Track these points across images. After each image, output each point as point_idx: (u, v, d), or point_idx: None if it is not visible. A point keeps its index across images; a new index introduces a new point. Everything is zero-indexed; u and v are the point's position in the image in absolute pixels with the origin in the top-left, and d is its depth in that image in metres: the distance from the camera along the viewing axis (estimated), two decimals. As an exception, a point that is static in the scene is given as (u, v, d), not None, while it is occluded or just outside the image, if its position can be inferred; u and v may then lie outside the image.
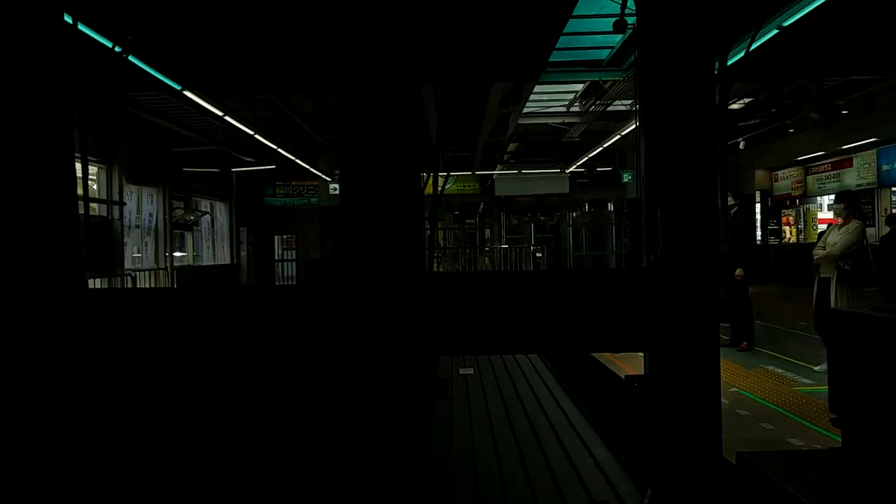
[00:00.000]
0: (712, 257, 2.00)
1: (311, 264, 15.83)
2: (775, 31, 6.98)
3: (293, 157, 17.29)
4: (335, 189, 17.56)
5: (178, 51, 7.28)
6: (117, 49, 5.91)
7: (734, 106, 14.91)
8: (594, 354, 5.38)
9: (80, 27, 3.52)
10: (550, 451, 4.13)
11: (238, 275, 19.55)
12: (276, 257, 22.87)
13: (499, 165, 19.44)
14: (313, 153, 18.57)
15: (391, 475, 1.98)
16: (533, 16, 6.63)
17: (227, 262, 19.48)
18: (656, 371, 2.06)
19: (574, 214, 22.56)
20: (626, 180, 17.90)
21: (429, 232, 3.08)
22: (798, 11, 6.55)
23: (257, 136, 14.46)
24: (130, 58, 6.87)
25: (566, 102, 15.13)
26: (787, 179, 20.04)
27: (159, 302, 2.11)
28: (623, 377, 2.32)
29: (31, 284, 1.80)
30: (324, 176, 17.90)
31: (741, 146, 16.12)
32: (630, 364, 5.91)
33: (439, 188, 2.94)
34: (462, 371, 7.10)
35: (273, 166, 19.38)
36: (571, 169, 19.23)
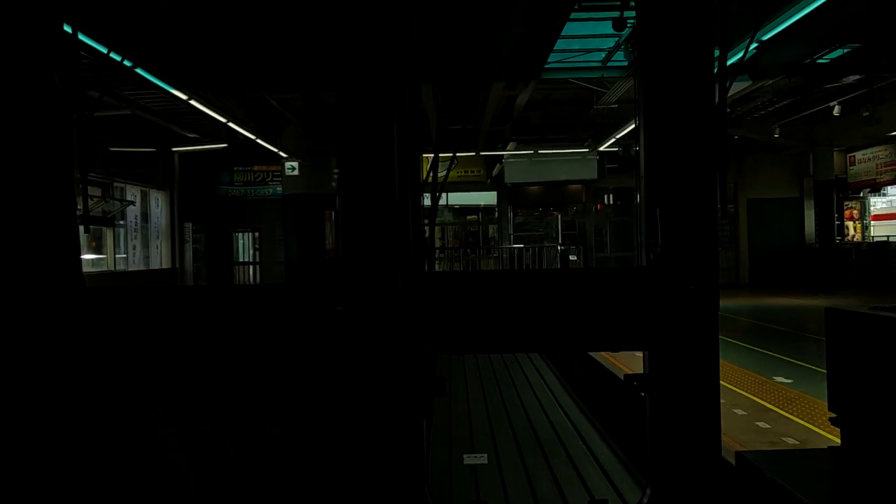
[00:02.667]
0: (712, 257, 2.00)
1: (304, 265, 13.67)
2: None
3: (247, 132, 13.26)
4: (292, 168, 13.53)
5: (174, 52, 7.11)
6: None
7: (821, 60, 11.14)
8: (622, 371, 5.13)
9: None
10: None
11: (181, 283, 15.50)
12: (247, 259, 18.89)
13: (511, 143, 15.36)
14: (275, 127, 14.55)
15: (389, 474, 2.00)
16: (532, 15, 6.48)
17: (166, 265, 15.41)
18: (655, 370, 2.07)
19: (595, 208, 18.65)
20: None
21: (427, 229, 2.82)
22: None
23: (187, 99, 10.42)
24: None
25: (601, 57, 11.32)
26: (869, 162, 16.03)
27: (159, 301, 2.12)
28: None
29: (30, 284, 1.82)
30: (283, 154, 13.80)
31: (836, 111, 12.12)
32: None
33: (440, 184, 2.68)
34: (468, 459, 4.39)
35: (225, 144, 15.37)
36: (604, 147, 15.12)
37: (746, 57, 6.22)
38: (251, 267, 18.45)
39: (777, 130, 14.20)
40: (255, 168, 17.63)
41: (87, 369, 1.55)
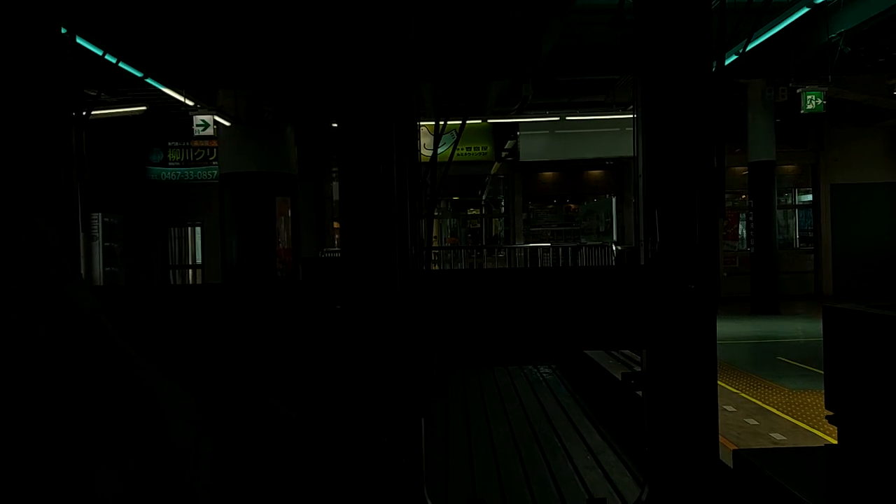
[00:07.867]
0: (710, 255, 2.03)
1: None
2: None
3: (166, 89, 9.31)
4: (203, 125, 9.54)
5: (172, 49, 7.11)
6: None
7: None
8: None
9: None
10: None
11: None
12: (190, 261, 14.90)
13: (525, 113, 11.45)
14: (207, 84, 10.60)
15: (387, 472, 2.00)
16: (530, 13, 6.40)
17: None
18: (653, 368, 2.09)
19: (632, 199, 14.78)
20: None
21: (425, 226, 2.84)
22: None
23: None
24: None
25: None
26: None
27: (158, 299, 2.14)
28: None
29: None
30: (189, 101, 9.72)
31: None
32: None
33: (438, 174, 2.86)
34: None
35: (144, 108, 11.39)
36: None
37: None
38: (192, 271, 14.46)
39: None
40: (195, 144, 13.60)
41: (89, 369, 1.38)
